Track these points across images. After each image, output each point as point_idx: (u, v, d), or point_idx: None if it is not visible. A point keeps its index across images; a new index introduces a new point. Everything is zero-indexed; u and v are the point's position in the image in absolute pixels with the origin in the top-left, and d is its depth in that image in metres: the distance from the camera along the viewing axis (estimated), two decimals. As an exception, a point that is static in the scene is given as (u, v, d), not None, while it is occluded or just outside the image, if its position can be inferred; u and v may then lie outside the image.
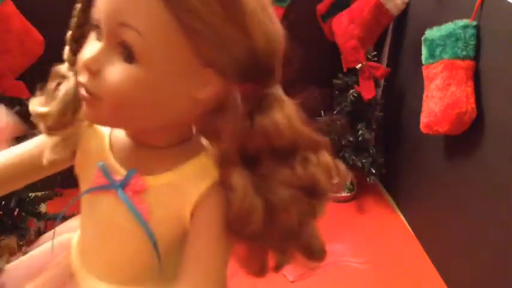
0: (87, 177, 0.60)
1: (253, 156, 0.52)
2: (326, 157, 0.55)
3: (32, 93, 0.62)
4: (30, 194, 1.43)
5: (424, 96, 1.45)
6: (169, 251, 0.57)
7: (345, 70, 1.79)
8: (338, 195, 1.92)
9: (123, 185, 0.56)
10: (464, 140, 1.42)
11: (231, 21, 0.48)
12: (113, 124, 0.57)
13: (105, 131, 0.61)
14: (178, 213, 0.56)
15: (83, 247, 0.64)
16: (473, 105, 1.34)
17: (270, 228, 0.52)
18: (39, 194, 1.46)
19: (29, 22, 1.49)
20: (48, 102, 0.59)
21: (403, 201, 1.90)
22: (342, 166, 0.57)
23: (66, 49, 0.58)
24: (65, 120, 0.58)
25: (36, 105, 0.60)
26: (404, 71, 1.79)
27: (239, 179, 0.52)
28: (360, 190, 1.97)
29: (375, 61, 1.77)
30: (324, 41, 1.85)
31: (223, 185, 0.53)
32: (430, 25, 1.42)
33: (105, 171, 0.58)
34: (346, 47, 1.72)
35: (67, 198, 0.69)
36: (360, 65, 1.72)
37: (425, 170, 1.70)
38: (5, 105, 0.75)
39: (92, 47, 0.51)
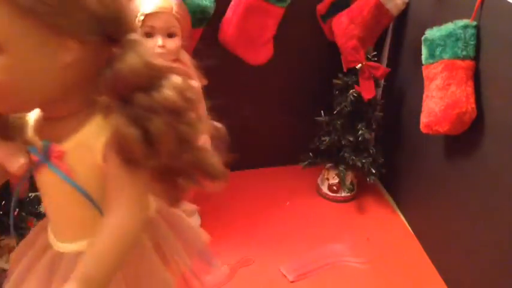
0: None
1: (125, 96, 0.63)
2: (176, 79, 0.65)
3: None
4: (30, 194, 1.42)
5: (424, 96, 1.45)
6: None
7: (345, 70, 1.78)
8: (338, 195, 1.93)
9: (46, 156, 0.67)
10: (464, 140, 1.43)
11: None
12: (8, 111, 0.68)
13: (31, 118, 0.71)
14: (95, 166, 0.67)
15: (50, 220, 0.77)
16: (473, 105, 1.34)
17: (155, 153, 0.63)
18: (39, 194, 1.46)
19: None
20: None
21: (403, 201, 1.90)
22: (192, 83, 0.67)
23: None
24: None
25: None
26: (404, 71, 1.79)
27: (117, 118, 0.62)
28: (360, 190, 1.97)
29: (375, 61, 1.77)
30: (324, 41, 1.85)
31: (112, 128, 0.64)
32: (430, 25, 1.42)
33: (33, 151, 0.68)
34: (346, 47, 1.72)
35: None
36: (360, 65, 1.72)
37: (425, 170, 1.70)
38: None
39: None
